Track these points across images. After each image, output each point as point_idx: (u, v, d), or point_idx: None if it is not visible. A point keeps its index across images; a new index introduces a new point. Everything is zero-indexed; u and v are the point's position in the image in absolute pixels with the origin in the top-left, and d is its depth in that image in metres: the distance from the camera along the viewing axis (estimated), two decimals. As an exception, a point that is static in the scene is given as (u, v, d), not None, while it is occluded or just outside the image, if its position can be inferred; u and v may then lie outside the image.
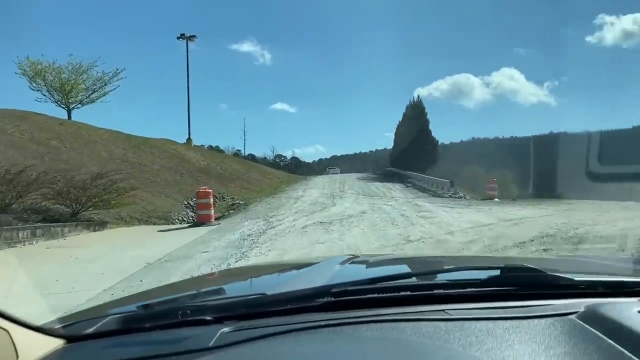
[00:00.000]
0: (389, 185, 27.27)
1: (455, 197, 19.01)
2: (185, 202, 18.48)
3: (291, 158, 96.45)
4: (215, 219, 15.40)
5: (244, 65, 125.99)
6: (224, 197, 21.22)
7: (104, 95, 24.88)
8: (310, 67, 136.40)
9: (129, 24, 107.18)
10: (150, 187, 18.75)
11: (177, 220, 15.50)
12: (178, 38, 33.62)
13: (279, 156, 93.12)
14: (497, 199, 18.27)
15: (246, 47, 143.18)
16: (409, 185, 27.51)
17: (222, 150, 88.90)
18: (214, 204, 19.44)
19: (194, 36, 33.58)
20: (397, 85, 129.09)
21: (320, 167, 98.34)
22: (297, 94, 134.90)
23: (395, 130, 46.99)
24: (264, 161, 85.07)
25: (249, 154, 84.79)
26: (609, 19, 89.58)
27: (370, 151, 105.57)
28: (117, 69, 24.52)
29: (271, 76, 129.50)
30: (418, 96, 36.42)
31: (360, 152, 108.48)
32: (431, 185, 24.34)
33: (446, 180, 21.56)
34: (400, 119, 40.36)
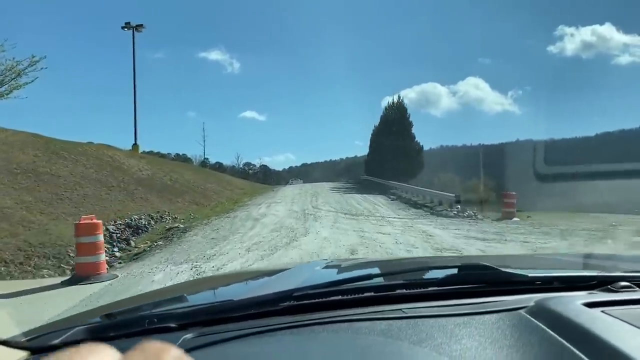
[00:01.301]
0: (370, 198, 22.51)
1: (464, 217, 14.35)
2: (104, 228, 13.25)
3: (260, 166, 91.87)
4: (132, 258, 10.29)
5: (213, 73, 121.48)
6: (162, 218, 16.00)
7: (17, 88, 19.20)
8: (280, 76, 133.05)
9: (77, 18, 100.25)
10: (54, 207, 13.39)
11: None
12: (123, 28, 28.17)
13: (248, 164, 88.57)
14: (516, 218, 13.73)
15: (214, 55, 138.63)
16: (393, 197, 22.83)
17: (189, 158, 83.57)
18: (141, 228, 14.30)
19: (141, 25, 28.18)
20: (366, 94, 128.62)
21: (291, 175, 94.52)
22: (267, 102, 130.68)
23: (370, 136, 42.58)
24: (232, 170, 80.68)
25: (216, 162, 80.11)
26: (568, 30, 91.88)
27: (341, 159, 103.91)
28: (34, 57, 18.90)
29: (240, 84, 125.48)
30: (399, 96, 32.22)
31: (330, 159, 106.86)
32: (423, 198, 19.69)
33: (450, 195, 16.65)
34: (377, 123, 35.76)
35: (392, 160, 29.17)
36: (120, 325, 1.01)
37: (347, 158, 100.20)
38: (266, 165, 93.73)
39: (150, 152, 47.59)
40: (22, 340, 0.98)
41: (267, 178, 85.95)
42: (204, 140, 54.43)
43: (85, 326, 1.02)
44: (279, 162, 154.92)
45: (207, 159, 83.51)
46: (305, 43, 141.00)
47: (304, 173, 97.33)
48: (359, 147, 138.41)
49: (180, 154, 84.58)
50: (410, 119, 29.39)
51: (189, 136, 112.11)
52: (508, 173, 24.68)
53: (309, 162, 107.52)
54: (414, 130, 28.56)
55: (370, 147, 42.14)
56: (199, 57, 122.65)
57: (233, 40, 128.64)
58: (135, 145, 27.71)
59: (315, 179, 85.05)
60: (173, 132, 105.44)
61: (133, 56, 27.73)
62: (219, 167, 75.33)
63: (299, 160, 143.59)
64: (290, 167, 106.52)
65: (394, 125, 29.08)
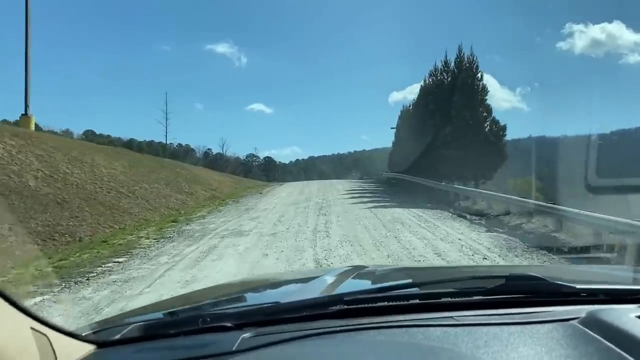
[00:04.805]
0: (437, 222, 10.54)
1: None
2: None
3: (264, 158, 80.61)
4: None
5: (220, 65, 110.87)
6: None
7: None
8: (287, 69, 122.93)
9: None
10: None
11: None
12: None
13: (251, 156, 77.37)
14: None
15: (222, 48, 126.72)
16: (484, 224, 10.85)
17: (192, 149, 73.01)
18: None
19: None
20: (373, 88, 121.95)
21: (297, 169, 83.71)
22: (274, 94, 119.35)
23: (398, 120, 30.45)
24: (235, 161, 70.82)
25: (217, 153, 70.09)
26: (576, 27, 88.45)
27: (349, 152, 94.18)
28: None
29: (248, 77, 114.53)
30: (459, 47, 17.90)
31: (338, 152, 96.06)
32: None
33: None
34: (415, 98, 23.62)
35: (444, 149, 17.13)
36: (179, 323, 1.00)
37: (354, 152, 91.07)
38: (270, 158, 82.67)
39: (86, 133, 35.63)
40: (88, 333, 0.98)
41: (270, 172, 75.01)
42: (167, 119, 38.84)
43: (146, 322, 1.03)
44: (285, 155, 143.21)
45: (210, 149, 73.13)
46: (313, 37, 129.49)
47: (311, 166, 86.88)
48: (366, 142, 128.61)
49: (183, 144, 75.41)
50: (484, 82, 16.98)
51: (196, 127, 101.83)
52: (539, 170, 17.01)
53: (315, 155, 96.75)
54: (487, 100, 16.37)
55: (398, 134, 30.08)
56: (206, 49, 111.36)
57: (240, 33, 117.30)
58: (24, 116, 15.85)
59: (323, 173, 73.12)
60: (179, 123, 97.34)
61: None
62: (220, 157, 65.45)
63: (305, 154, 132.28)
64: (297, 160, 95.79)
65: (455, 95, 16.91)
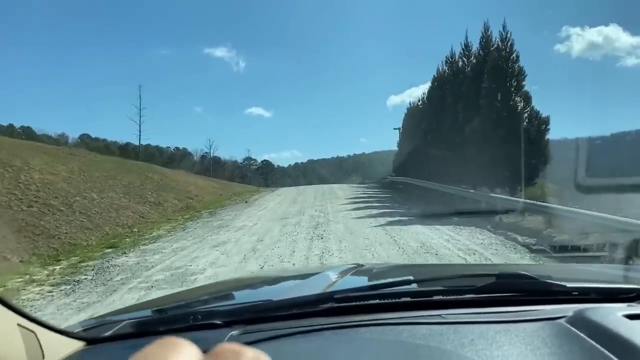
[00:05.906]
0: (484, 250, 7.12)
1: None
2: None
3: (262, 162, 76.88)
4: None
5: (219, 69, 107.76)
6: None
7: None
8: (286, 72, 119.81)
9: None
10: None
11: None
12: None
13: (248, 159, 73.57)
14: None
15: (220, 52, 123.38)
16: (555, 257, 7.41)
17: (189, 152, 69.44)
18: None
19: None
20: (371, 92, 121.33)
21: (296, 172, 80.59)
22: (273, 98, 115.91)
23: (405, 118, 27.09)
24: (233, 165, 67.46)
25: (213, 157, 66.41)
26: (573, 30, 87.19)
27: (348, 155, 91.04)
28: None
29: (246, 80, 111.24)
30: (487, 27, 14.23)
31: (337, 156, 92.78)
32: None
33: None
34: (427, 90, 20.21)
35: (467, 147, 13.77)
36: (169, 320, 0.99)
37: (354, 155, 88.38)
38: (268, 161, 78.96)
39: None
40: (78, 330, 0.97)
41: (269, 175, 71.73)
42: (140, 115, 34.41)
43: (136, 319, 1.01)
44: (285, 158, 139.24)
45: (207, 153, 69.40)
46: (311, 41, 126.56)
47: (310, 170, 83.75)
48: (365, 144, 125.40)
49: (180, 147, 71.78)
50: (521, 64, 13.40)
51: (194, 131, 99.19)
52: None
53: (315, 159, 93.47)
54: (525, 86, 12.97)
55: (404, 134, 26.73)
56: (204, 53, 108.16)
57: (238, 37, 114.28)
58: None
59: (322, 177, 70.02)
60: (179, 127, 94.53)
61: None
62: (216, 162, 62.13)
63: (304, 157, 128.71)
64: (296, 164, 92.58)
65: (482, 82, 13.46)
